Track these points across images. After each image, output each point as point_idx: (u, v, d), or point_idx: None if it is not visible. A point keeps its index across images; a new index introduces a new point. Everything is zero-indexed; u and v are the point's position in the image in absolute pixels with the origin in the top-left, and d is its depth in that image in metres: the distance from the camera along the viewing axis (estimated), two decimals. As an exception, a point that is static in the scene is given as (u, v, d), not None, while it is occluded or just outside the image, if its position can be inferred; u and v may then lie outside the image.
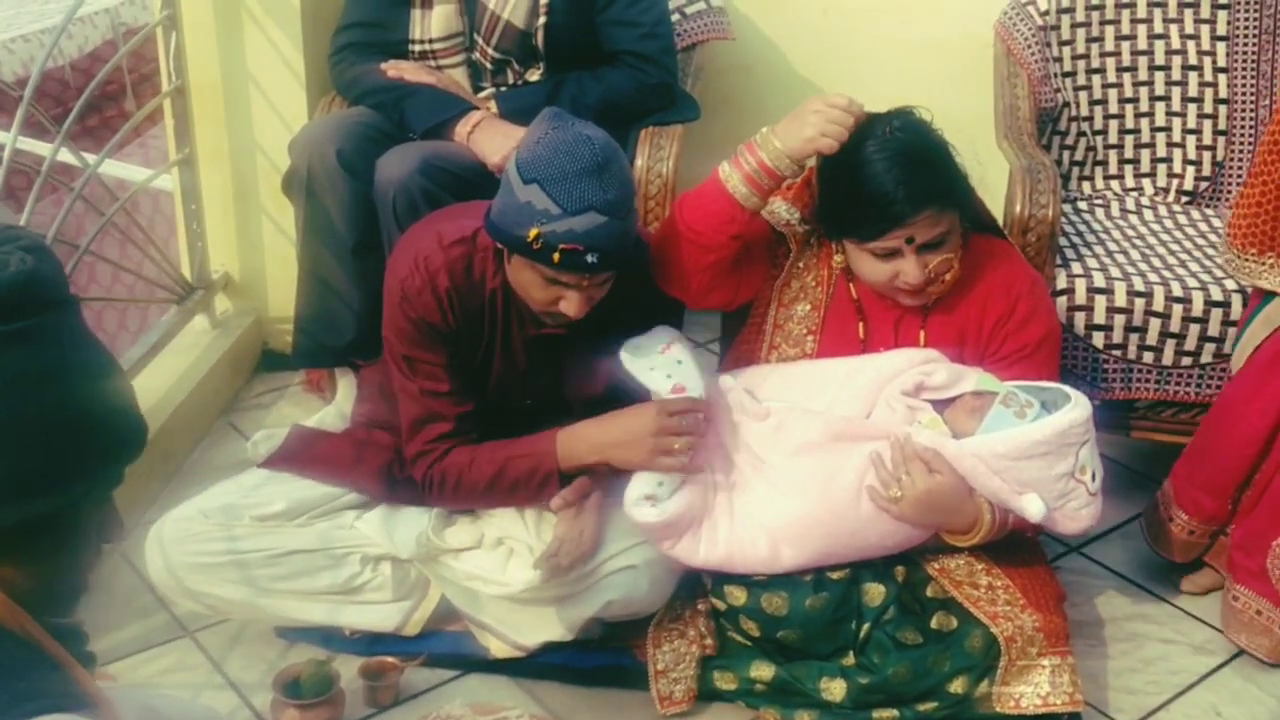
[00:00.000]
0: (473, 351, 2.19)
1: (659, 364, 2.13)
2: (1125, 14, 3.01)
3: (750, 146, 2.10)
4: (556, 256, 1.92)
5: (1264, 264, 2.38)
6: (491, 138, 2.60)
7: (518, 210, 1.95)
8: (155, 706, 1.61)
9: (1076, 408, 2.07)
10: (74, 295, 1.16)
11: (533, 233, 1.92)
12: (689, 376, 2.11)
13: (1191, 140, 3.00)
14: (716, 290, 2.21)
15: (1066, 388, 2.13)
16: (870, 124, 2.08)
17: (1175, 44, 3.01)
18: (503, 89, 2.76)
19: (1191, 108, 3.00)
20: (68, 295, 1.15)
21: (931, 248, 2.09)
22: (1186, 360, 2.55)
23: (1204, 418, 2.46)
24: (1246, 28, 2.99)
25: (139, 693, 1.66)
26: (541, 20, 2.68)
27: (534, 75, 2.75)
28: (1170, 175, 3.01)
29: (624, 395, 2.22)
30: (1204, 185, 2.99)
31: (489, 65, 2.74)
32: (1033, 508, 2.05)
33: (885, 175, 2.03)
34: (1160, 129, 3.01)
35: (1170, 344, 2.54)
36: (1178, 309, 2.52)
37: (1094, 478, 2.09)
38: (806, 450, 2.12)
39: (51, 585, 1.18)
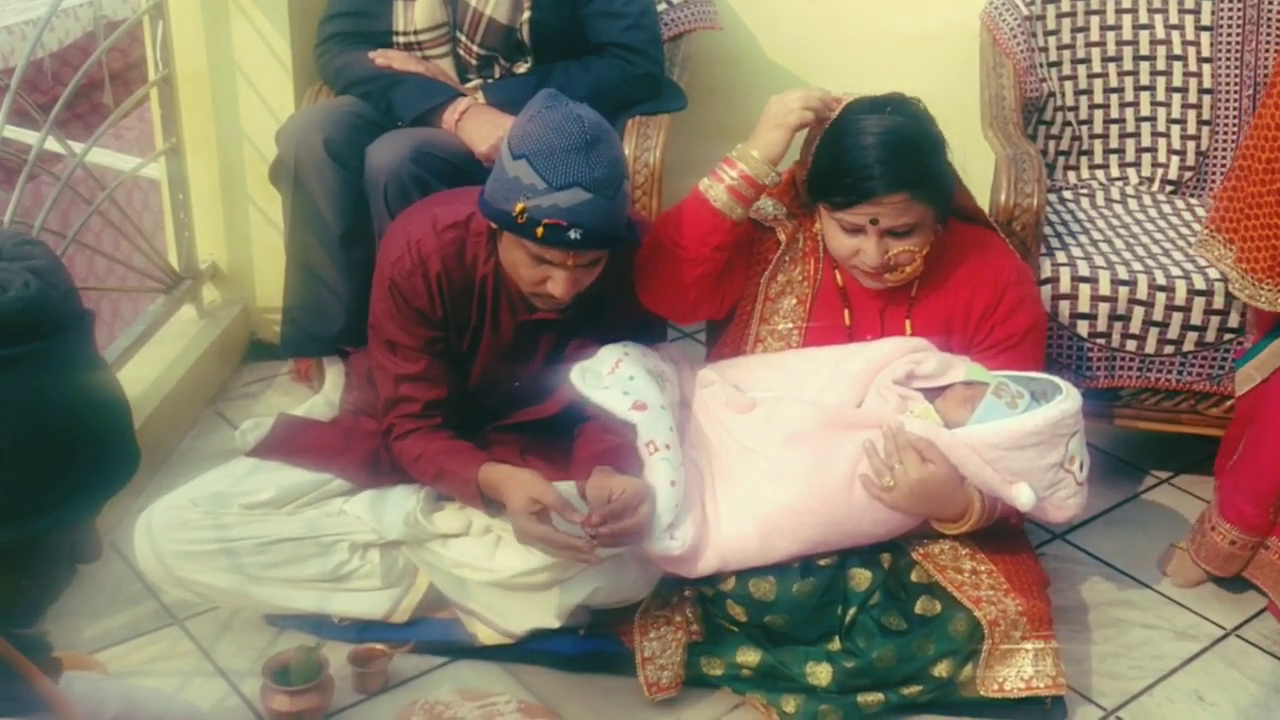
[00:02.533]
0: (460, 336, 2.20)
1: (611, 384, 2.15)
2: (1110, 4, 3.02)
3: (729, 161, 2.15)
4: (540, 231, 1.94)
5: None
6: (479, 126, 2.60)
7: (506, 185, 1.97)
8: (136, 700, 1.61)
9: (1068, 399, 2.09)
10: (85, 312, 1.12)
11: (519, 207, 1.94)
12: (645, 391, 2.13)
13: (1176, 130, 3.02)
14: (703, 304, 2.26)
15: (1056, 379, 2.15)
16: (874, 100, 2.14)
17: (1160, 34, 3.02)
18: (489, 81, 2.76)
19: (1176, 97, 3.01)
20: (74, 319, 1.11)
21: (896, 235, 2.11)
22: (1169, 348, 2.57)
23: (1251, 427, 2.42)
24: (1231, 17, 3.01)
25: (121, 687, 1.66)
26: (526, 14, 2.68)
27: (521, 68, 2.75)
28: (1155, 165, 3.02)
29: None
30: (1188, 175, 3.01)
31: (474, 61, 2.74)
32: (1023, 497, 2.07)
33: (867, 149, 2.07)
34: (1145, 119, 3.02)
35: (1153, 332, 2.55)
36: (1161, 297, 2.53)
37: (1082, 468, 2.11)
38: (799, 439, 2.13)
39: (18, 602, 1.16)
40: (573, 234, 1.94)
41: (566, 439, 2.29)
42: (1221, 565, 2.44)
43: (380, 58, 2.70)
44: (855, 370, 2.21)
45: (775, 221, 2.30)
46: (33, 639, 1.24)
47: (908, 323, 2.26)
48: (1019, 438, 2.06)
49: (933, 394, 2.19)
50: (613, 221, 1.99)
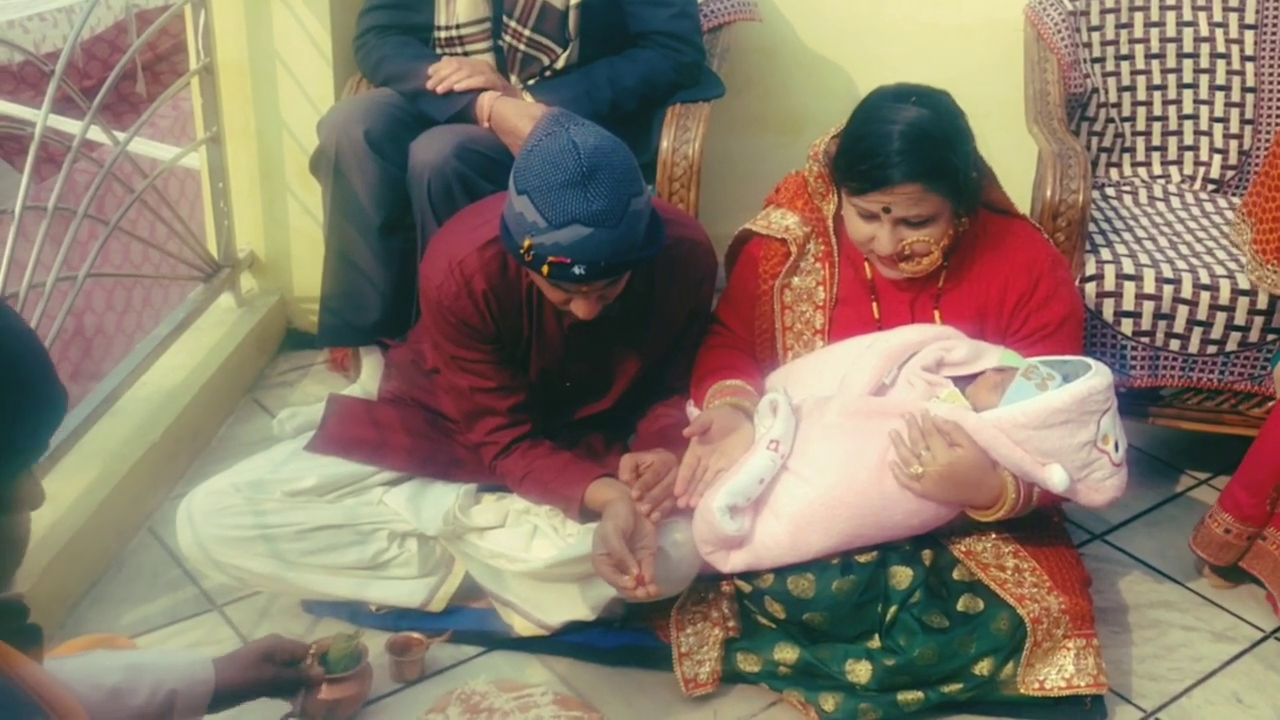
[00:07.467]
0: (515, 345, 2.20)
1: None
2: (1154, 0, 3.00)
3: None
4: (545, 269, 1.92)
5: None
6: (517, 119, 2.58)
7: (515, 221, 1.95)
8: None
9: (1096, 375, 2.04)
10: None
11: (526, 243, 1.92)
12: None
13: (1219, 128, 2.99)
14: (768, 361, 2.33)
15: (1088, 359, 2.11)
16: (900, 89, 2.13)
17: (1204, 31, 3.00)
18: (532, 82, 2.73)
19: (1219, 95, 2.99)
20: None
21: (910, 224, 2.10)
22: (1212, 348, 2.55)
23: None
24: (1275, 16, 2.98)
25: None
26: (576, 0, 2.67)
27: (560, 62, 2.73)
28: (1197, 163, 3.00)
29: (659, 377, 2.28)
30: (1230, 174, 2.98)
31: (521, 48, 2.70)
32: (1056, 477, 2.04)
33: (885, 138, 2.07)
34: (1188, 116, 3.00)
35: (1197, 331, 2.53)
36: (1205, 296, 2.51)
37: (1117, 447, 2.07)
38: (824, 433, 2.12)
39: None
40: (577, 270, 1.91)
41: (624, 430, 2.31)
42: (1216, 553, 2.43)
43: (440, 85, 2.64)
44: (874, 355, 2.19)
45: (785, 232, 2.29)
46: (7, 605, 1.20)
47: (936, 314, 2.24)
48: (1045, 415, 2.02)
49: (964, 382, 2.16)
50: (620, 248, 1.93)
